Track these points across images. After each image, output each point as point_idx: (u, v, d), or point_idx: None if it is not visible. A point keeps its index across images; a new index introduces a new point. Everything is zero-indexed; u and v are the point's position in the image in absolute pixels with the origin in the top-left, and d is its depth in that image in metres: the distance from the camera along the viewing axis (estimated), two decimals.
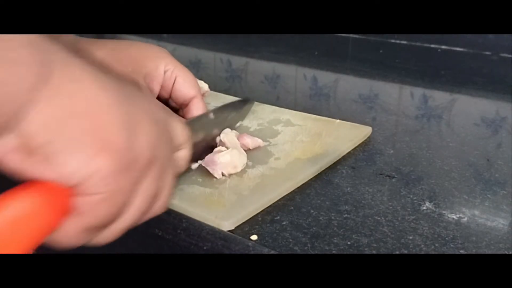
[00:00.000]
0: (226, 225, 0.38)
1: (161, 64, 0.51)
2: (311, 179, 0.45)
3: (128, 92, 0.29)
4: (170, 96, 0.52)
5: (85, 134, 0.25)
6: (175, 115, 0.35)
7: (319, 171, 0.46)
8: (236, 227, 0.38)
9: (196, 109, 0.51)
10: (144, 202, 0.29)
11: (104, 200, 0.26)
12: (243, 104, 0.57)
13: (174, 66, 0.51)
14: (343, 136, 0.52)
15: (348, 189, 0.43)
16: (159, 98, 0.53)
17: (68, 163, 0.25)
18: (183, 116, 0.52)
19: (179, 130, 0.34)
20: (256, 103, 0.62)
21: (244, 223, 0.38)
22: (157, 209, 0.32)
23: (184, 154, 0.35)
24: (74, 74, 0.25)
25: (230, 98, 0.63)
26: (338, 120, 0.55)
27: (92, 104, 0.26)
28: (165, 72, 0.51)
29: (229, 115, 0.53)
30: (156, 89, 0.52)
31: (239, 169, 0.44)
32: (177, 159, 0.35)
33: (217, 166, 0.43)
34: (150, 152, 0.28)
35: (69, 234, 0.27)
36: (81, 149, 0.25)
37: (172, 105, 0.54)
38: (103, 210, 0.27)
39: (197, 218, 0.39)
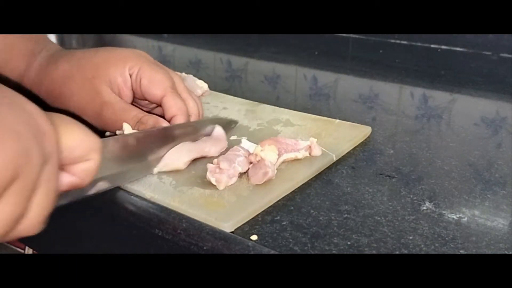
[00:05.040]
0: (226, 226, 0.38)
1: (125, 68, 0.50)
2: (311, 179, 0.45)
3: None
4: (145, 98, 0.51)
5: None
6: (75, 124, 0.32)
7: (319, 171, 0.46)
8: (236, 228, 0.38)
9: (166, 108, 0.49)
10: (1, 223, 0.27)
11: None
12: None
13: (139, 67, 0.50)
14: (342, 136, 0.52)
15: (348, 189, 0.43)
16: (136, 102, 0.53)
17: None
18: (162, 116, 0.49)
19: (77, 140, 0.31)
20: (255, 102, 0.62)
21: (244, 223, 0.38)
22: (25, 229, 0.29)
23: (87, 166, 0.32)
24: None
25: (230, 98, 0.63)
26: (337, 120, 0.55)
27: None
28: (130, 75, 0.51)
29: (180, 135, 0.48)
30: (128, 93, 0.51)
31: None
32: (77, 171, 0.32)
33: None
34: (6, 171, 0.26)
35: None
36: None
37: (152, 107, 0.53)
38: None
39: (197, 219, 0.39)
